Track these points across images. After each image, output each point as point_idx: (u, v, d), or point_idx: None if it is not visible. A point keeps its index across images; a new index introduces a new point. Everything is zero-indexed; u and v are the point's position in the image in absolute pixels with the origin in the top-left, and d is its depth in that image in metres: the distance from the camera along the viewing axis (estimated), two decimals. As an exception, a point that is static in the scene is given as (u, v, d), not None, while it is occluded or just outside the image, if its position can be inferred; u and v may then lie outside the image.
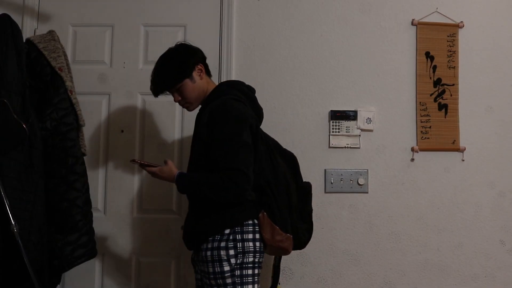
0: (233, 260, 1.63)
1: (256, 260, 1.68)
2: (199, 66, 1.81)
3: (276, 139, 2.30)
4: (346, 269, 2.31)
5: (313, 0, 2.42)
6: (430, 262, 2.32)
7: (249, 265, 1.66)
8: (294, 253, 2.25)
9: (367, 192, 2.34)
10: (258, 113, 1.86)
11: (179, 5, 2.43)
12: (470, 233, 2.34)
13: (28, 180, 1.80)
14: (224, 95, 1.77)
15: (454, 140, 2.37)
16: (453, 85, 2.40)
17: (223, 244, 1.64)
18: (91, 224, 2.06)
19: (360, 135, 2.35)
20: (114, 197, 2.35)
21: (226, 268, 1.63)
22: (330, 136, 2.35)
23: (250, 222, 1.69)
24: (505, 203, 2.36)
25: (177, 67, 1.79)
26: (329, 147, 2.35)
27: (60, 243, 1.91)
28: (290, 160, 1.87)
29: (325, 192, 2.33)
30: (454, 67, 2.40)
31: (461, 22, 2.42)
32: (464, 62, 2.41)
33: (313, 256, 2.30)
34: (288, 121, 2.36)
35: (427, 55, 2.40)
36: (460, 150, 2.37)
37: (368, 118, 2.36)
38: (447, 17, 2.42)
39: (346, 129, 2.35)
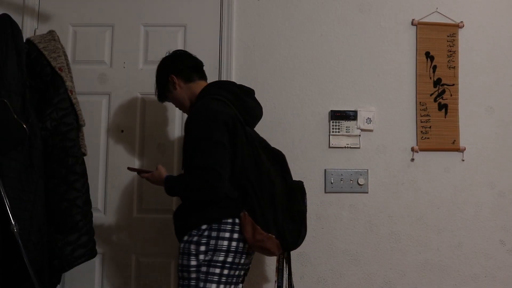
0: (201, 256, 1.63)
1: (229, 260, 1.65)
2: (169, 79, 1.89)
3: (276, 139, 2.31)
4: (346, 269, 2.31)
5: (313, 0, 2.42)
6: (430, 262, 2.32)
7: (217, 264, 1.63)
8: (294, 253, 2.26)
9: (367, 192, 2.34)
10: (249, 113, 1.84)
11: (179, 5, 2.43)
12: (470, 233, 2.34)
13: (28, 180, 1.80)
14: (207, 95, 1.79)
15: (454, 140, 2.37)
16: (453, 85, 2.40)
17: (196, 239, 1.65)
18: (91, 224, 2.06)
19: (360, 135, 2.35)
20: (114, 197, 2.35)
21: (193, 262, 1.63)
22: (330, 136, 2.35)
23: (230, 220, 1.67)
24: (505, 203, 2.36)
25: (156, 86, 1.96)
26: (329, 147, 2.35)
27: (60, 243, 1.91)
28: (277, 159, 1.84)
29: (325, 192, 2.33)
30: (454, 67, 2.40)
31: (461, 22, 2.42)
32: (464, 62, 2.41)
33: (313, 256, 2.30)
34: (288, 121, 2.36)
35: (427, 55, 2.40)
36: (460, 150, 2.37)
37: (368, 118, 2.36)
38: (447, 17, 2.42)
39: (346, 129, 2.35)
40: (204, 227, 1.66)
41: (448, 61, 2.40)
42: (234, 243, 1.66)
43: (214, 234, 1.65)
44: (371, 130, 2.36)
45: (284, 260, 1.86)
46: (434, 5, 2.42)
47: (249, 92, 1.91)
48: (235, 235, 1.66)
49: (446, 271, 2.32)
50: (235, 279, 1.70)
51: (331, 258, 2.31)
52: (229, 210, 1.67)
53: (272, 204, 1.70)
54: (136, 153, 2.37)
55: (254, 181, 1.69)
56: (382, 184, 2.35)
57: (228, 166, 1.67)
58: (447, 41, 2.41)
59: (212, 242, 1.64)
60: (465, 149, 2.37)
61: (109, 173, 2.36)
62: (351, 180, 2.33)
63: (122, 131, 2.38)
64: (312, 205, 2.31)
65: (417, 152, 2.36)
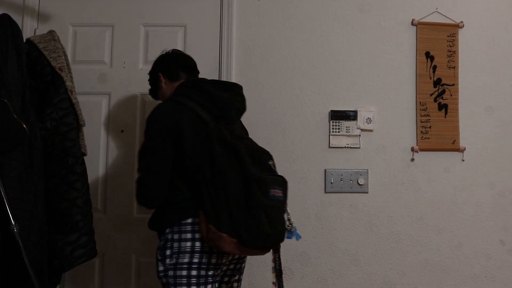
0: (167, 261, 1.60)
1: (195, 260, 1.59)
2: (157, 77, 1.91)
3: (276, 139, 2.31)
4: (346, 269, 2.31)
5: (313, 0, 2.42)
6: (430, 262, 2.32)
7: (183, 266, 1.58)
8: (294, 253, 2.27)
9: (367, 192, 2.34)
10: (218, 106, 1.73)
11: (179, 5, 2.44)
12: (470, 233, 2.34)
13: (28, 180, 1.80)
14: (172, 96, 1.79)
15: (454, 140, 2.37)
16: (453, 85, 2.40)
17: (160, 244, 1.64)
18: (91, 224, 2.05)
19: (360, 135, 2.35)
20: (114, 197, 2.35)
21: (160, 268, 1.61)
22: (330, 136, 2.35)
23: (189, 221, 1.61)
24: (505, 203, 2.36)
25: (149, 84, 1.99)
26: (329, 147, 2.35)
27: (60, 243, 1.91)
28: (234, 151, 1.65)
29: (325, 192, 2.33)
30: (454, 67, 2.40)
31: (461, 22, 2.42)
32: (464, 62, 2.41)
33: (313, 256, 2.30)
34: (288, 121, 2.36)
35: (427, 55, 2.40)
36: (460, 150, 2.37)
37: (368, 118, 2.36)
38: (447, 17, 2.42)
39: (346, 129, 2.35)
40: (167, 231, 1.63)
41: (448, 61, 2.40)
42: (197, 243, 1.60)
43: (176, 236, 1.61)
44: (371, 130, 2.36)
45: (276, 259, 1.74)
46: (434, 5, 2.42)
47: (227, 86, 1.82)
48: (197, 235, 1.60)
49: (446, 271, 2.32)
50: (210, 278, 1.61)
51: (331, 258, 2.31)
52: (187, 210, 1.63)
53: (226, 200, 1.58)
54: (136, 153, 2.36)
55: (208, 178, 1.61)
56: (382, 184, 2.35)
57: (164, 171, 1.65)
58: (447, 41, 2.41)
59: (176, 245, 1.61)
60: (465, 149, 2.37)
61: (109, 173, 2.36)
62: (351, 180, 2.33)
63: (122, 131, 2.38)
64: (312, 205, 2.32)
65: (417, 152, 2.36)
